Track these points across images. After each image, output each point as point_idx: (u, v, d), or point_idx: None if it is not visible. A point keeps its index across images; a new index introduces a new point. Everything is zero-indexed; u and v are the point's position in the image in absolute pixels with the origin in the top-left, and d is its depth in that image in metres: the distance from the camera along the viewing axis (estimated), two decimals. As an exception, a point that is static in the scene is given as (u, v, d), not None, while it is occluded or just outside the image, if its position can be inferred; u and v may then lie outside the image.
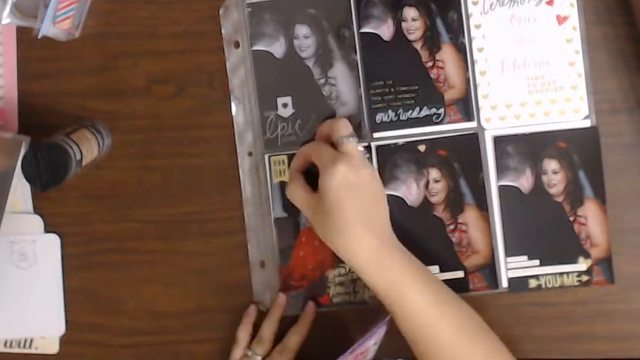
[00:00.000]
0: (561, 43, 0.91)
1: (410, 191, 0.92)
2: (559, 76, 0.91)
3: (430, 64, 0.92)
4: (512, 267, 0.92)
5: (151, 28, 0.93)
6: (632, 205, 0.92)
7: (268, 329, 0.91)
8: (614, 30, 0.91)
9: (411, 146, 0.92)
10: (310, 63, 0.92)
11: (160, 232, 0.94)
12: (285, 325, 0.92)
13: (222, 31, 0.92)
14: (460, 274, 0.92)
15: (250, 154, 0.93)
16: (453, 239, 0.92)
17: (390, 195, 0.91)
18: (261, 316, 0.92)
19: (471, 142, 0.91)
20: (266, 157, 0.92)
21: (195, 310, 0.94)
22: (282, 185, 0.92)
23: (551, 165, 0.91)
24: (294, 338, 0.90)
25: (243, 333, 0.91)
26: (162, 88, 0.93)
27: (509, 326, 0.92)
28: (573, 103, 0.91)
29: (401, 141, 0.92)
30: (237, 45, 0.93)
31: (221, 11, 0.92)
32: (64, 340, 0.94)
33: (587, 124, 0.91)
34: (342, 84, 0.92)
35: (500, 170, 0.91)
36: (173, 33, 0.93)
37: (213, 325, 0.93)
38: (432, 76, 0.92)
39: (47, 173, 0.82)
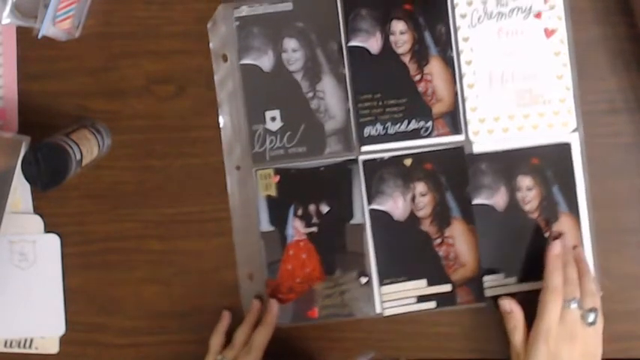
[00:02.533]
0: (549, 56, 0.91)
1: (396, 205, 0.92)
2: (547, 89, 0.91)
3: (418, 77, 0.91)
4: (489, 285, 0.92)
5: (151, 28, 0.93)
6: (632, 205, 0.92)
7: (241, 335, 0.90)
8: (614, 30, 0.91)
9: (397, 160, 0.92)
10: (299, 76, 0.92)
11: (159, 232, 0.94)
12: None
13: (211, 44, 0.92)
14: (447, 287, 0.92)
15: (238, 167, 0.93)
16: (440, 253, 0.92)
17: (377, 210, 0.91)
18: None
19: (457, 156, 0.91)
20: (254, 171, 0.92)
21: (194, 310, 0.94)
22: (270, 199, 0.92)
23: (525, 182, 0.91)
24: (260, 337, 0.89)
25: (216, 340, 0.90)
26: (163, 88, 0.93)
27: (509, 326, 0.92)
28: (561, 116, 0.91)
29: (387, 155, 0.92)
30: (225, 59, 0.92)
31: (209, 25, 0.92)
32: (64, 340, 0.94)
33: (575, 137, 0.91)
34: (331, 97, 0.92)
35: (475, 188, 0.91)
36: (173, 33, 0.93)
37: (212, 325, 0.93)
38: (420, 89, 0.91)
39: (47, 173, 0.82)
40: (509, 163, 0.91)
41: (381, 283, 0.92)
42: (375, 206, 0.91)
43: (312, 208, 0.92)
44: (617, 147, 0.91)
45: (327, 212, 0.92)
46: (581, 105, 0.90)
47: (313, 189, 0.92)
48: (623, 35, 0.91)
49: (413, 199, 0.92)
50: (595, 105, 0.91)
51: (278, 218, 0.91)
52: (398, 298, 0.92)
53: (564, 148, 0.91)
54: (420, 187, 0.91)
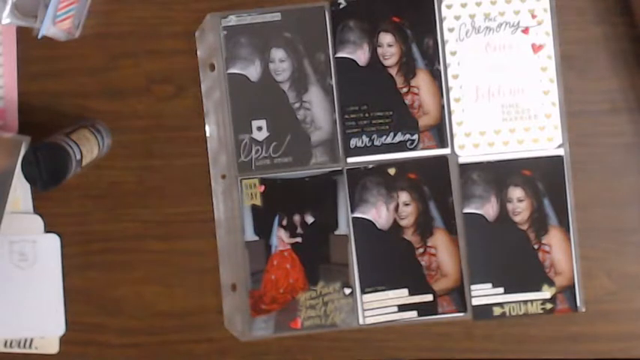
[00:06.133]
0: (536, 72, 0.91)
1: (380, 214, 0.92)
2: (533, 105, 0.91)
3: (405, 90, 0.91)
4: (476, 294, 0.92)
5: (151, 28, 0.93)
6: (632, 205, 0.92)
7: None
8: (614, 30, 0.91)
9: (381, 169, 0.92)
10: (285, 87, 0.92)
11: (160, 232, 0.94)
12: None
13: (198, 53, 0.92)
14: (429, 297, 0.92)
15: (224, 176, 0.92)
16: (423, 262, 0.92)
17: (360, 218, 0.91)
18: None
19: (441, 166, 0.91)
20: (239, 180, 0.92)
21: (195, 310, 0.94)
22: (254, 208, 0.92)
23: (516, 193, 0.91)
24: None
25: None
26: (163, 88, 0.93)
27: (509, 326, 0.92)
28: (547, 132, 0.91)
29: (371, 164, 0.92)
30: (212, 68, 0.92)
31: (197, 34, 0.92)
32: (64, 340, 0.94)
33: (560, 152, 0.91)
34: (317, 108, 0.92)
35: (466, 198, 0.91)
36: (173, 33, 0.93)
37: (213, 325, 0.93)
38: (406, 102, 0.91)
39: (47, 173, 0.82)
40: (500, 174, 0.91)
41: (363, 292, 0.92)
42: (358, 214, 0.92)
43: (296, 218, 0.92)
44: (617, 147, 0.91)
45: (312, 223, 0.92)
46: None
47: (298, 199, 0.92)
48: (623, 35, 0.91)
49: (396, 208, 0.92)
50: (595, 105, 0.91)
51: (263, 228, 0.91)
52: (379, 307, 0.92)
53: (556, 161, 0.91)
54: (404, 196, 0.91)
